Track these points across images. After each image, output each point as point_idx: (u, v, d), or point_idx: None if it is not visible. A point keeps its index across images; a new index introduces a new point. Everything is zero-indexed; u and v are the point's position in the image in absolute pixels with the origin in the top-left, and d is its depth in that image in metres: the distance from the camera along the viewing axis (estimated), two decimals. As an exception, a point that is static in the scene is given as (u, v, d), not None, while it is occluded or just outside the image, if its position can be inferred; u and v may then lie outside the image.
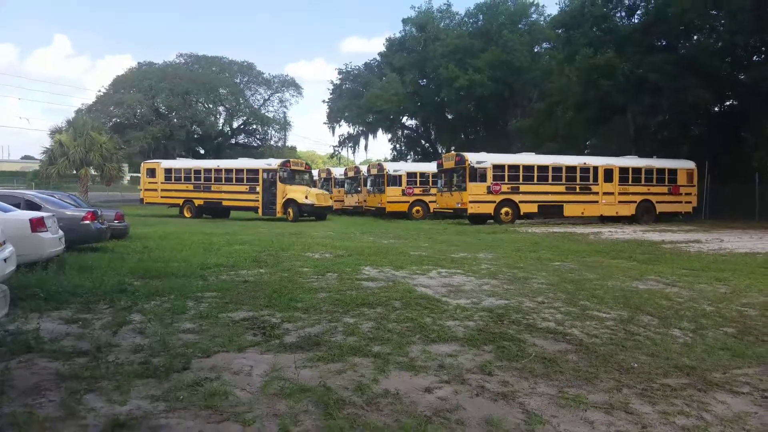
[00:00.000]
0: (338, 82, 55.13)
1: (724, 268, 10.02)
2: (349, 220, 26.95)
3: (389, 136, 54.79)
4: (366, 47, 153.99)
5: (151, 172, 29.56)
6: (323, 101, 63.44)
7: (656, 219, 24.02)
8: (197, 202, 27.87)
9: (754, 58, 26.20)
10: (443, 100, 44.61)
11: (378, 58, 53.59)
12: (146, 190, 29.70)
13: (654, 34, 26.95)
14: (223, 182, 27.48)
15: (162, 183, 29.00)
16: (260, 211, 26.21)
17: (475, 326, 5.69)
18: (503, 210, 22.30)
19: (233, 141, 61.30)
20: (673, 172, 24.63)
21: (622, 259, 11.51)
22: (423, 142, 55.13)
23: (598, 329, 5.65)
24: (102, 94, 54.14)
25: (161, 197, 29.08)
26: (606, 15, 29.63)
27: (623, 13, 30.59)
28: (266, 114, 60.35)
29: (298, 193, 25.08)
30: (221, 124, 59.98)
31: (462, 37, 43.23)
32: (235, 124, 61.48)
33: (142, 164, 31.55)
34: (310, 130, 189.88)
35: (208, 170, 28.28)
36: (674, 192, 24.53)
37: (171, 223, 22.60)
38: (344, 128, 55.32)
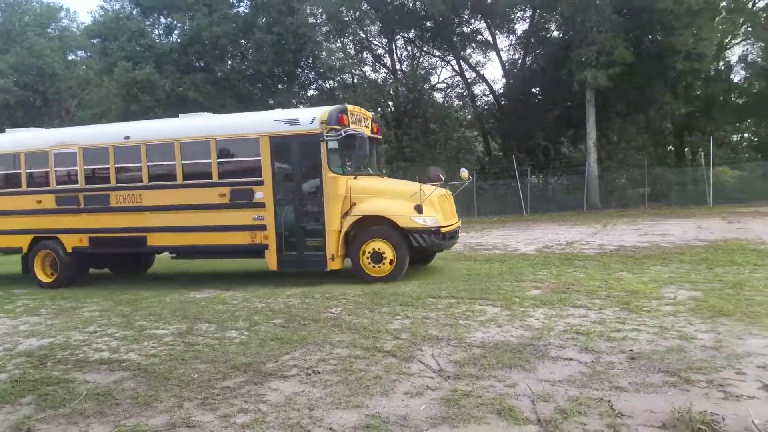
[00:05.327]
0: None
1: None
2: None
3: None
4: None
5: None
6: None
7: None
8: (71, 242, 9.96)
9: (279, 86, 30.75)
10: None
11: None
12: None
13: (192, 54, 28.35)
14: (148, 181, 9.76)
15: None
16: (273, 259, 9.00)
17: (8, 377, 4.66)
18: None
19: None
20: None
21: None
22: None
23: (156, 348, 5.38)
24: None
25: None
26: (143, 30, 29.47)
27: (161, 31, 31.07)
28: None
29: (396, 198, 8.76)
30: None
31: (-29, 32, 35.34)
32: None
33: None
34: None
35: (102, 150, 10.00)
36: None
37: None
38: None
